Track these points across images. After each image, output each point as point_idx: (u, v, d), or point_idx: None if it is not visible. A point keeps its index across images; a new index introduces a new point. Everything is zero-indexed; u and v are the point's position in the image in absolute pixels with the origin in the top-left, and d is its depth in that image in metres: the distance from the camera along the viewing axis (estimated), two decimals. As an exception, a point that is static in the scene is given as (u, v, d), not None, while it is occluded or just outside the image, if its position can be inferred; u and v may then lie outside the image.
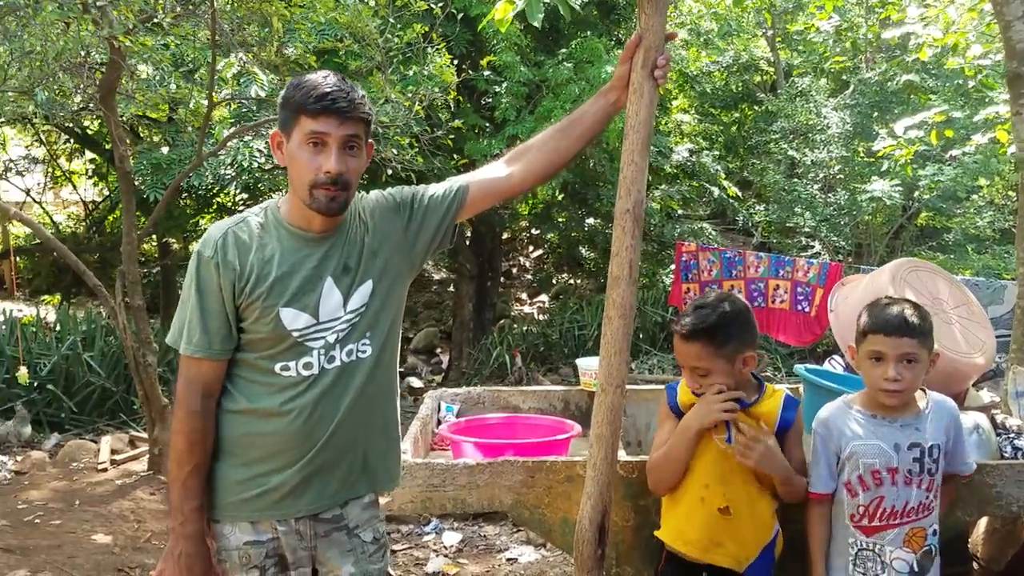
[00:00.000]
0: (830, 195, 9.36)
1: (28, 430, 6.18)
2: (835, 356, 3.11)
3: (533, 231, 13.47)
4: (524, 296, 13.52)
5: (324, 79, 1.85)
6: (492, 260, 10.50)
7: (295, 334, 1.88)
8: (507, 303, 12.29)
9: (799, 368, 2.77)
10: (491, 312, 10.50)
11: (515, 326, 10.30)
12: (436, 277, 13.86)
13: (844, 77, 10.64)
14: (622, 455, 2.32)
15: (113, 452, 5.83)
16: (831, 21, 6.55)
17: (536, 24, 2.49)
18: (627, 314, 2.11)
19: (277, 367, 1.89)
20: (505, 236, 12.06)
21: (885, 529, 2.16)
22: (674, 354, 2.23)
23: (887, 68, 8.68)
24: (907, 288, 2.71)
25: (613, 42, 8.53)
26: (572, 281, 13.01)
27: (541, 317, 11.00)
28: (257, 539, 1.95)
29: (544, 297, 13.05)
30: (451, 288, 10.30)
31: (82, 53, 4.61)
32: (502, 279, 12.38)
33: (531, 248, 14.85)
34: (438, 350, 10.98)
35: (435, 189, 2.09)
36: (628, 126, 1.99)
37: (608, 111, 2.08)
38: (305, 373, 1.89)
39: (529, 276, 14.18)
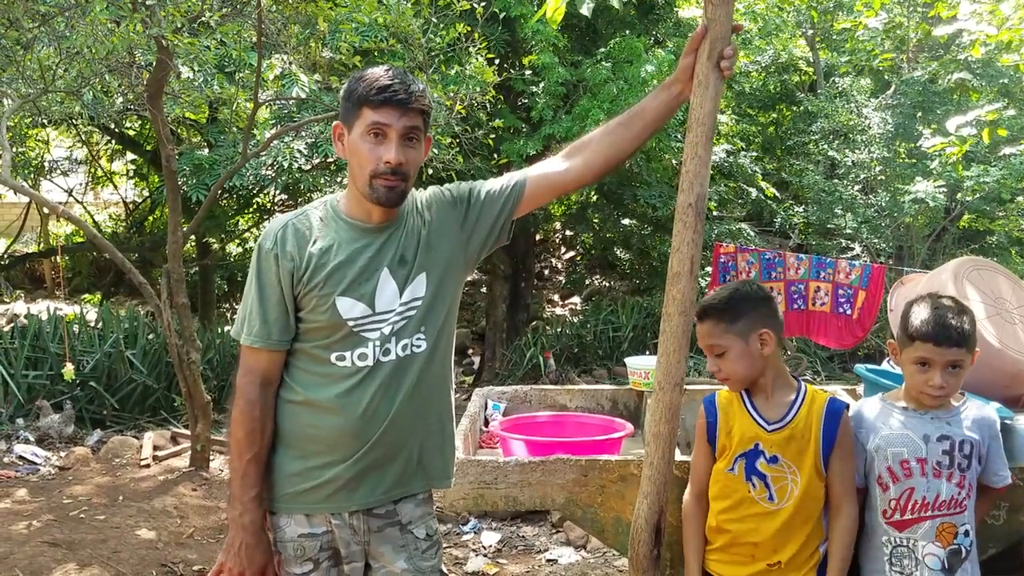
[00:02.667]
0: (871, 196, 9.23)
1: (71, 429, 6.26)
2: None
3: (566, 232, 13.43)
4: (556, 297, 13.47)
5: (386, 72, 1.89)
6: (526, 261, 10.47)
7: (351, 323, 1.90)
8: (539, 304, 12.26)
9: (859, 368, 2.73)
10: (524, 313, 10.47)
11: (548, 327, 10.26)
12: (468, 278, 13.88)
13: (886, 77, 10.50)
14: (678, 455, 2.29)
15: (155, 448, 5.89)
16: (879, 18, 6.46)
17: (587, 13, 2.47)
18: (687, 311, 2.09)
19: (332, 357, 1.91)
20: (538, 237, 12.04)
21: (918, 522, 2.14)
22: (699, 341, 2.20)
23: (936, 67, 8.55)
24: (969, 287, 2.66)
25: (652, 41, 8.47)
26: (605, 283, 12.95)
27: (574, 319, 10.95)
28: (312, 532, 1.97)
29: (576, 299, 13.00)
30: (483, 289, 10.31)
31: (128, 53, 4.66)
32: (534, 280, 12.35)
33: (563, 249, 14.80)
34: (470, 351, 10.97)
35: (492, 184, 2.09)
36: (692, 119, 1.97)
37: (671, 104, 2.06)
38: (360, 364, 1.91)
39: (561, 277, 14.13)
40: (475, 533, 4.85)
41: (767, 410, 2.17)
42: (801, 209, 9.95)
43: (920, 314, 2.14)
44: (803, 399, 2.17)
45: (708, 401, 2.24)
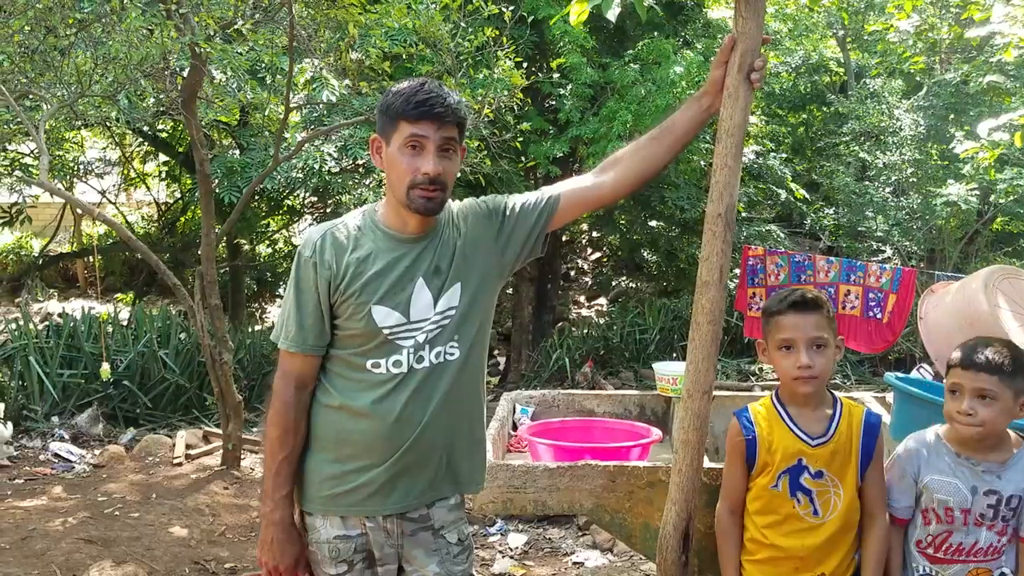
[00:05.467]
0: (902, 199, 9.14)
1: (98, 429, 6.35)
2: (924, 364, 3.05)
3: (593, 233, 13.41)
4: (582, 299, 13.47)
5: (422, 85, 1.93)
6: (552, 262, 10.48)
7: (385, 331, 1.94)
8: (565, 306, 12.25)
9: (889, 376, 2.72)
10: (550, 315, 10.47)
11: (574, 329, 10.26)
12: (496, 282, 13.87)
13: (918, 78, 10.38)
14: (706, 462, 2.30)
15: (188, 447, 5.98)
16: (910, 21, 6.39)
17: (612, 18, 2.47)
18: (716, 319, 2.10)
19: (368, 364, 1.96)
20: (564, 238, 12.05)
21: (949, 563, 2.14)
22: (780, 334, 2.14)
23: (968, 69, 8.44)
24: (1000, 296, 2.64)
25: (681, 42, 8.45)
26: (632, 284, 12.93)
27: (600, 320, 10.93)
28: (346, 534, 2.02)
29: (602, 300, 12.98)
30: (509, 290, 10.33)
31: (163, 59, 4.75)
32: (560, 281, 12.34)
33: (590, 250, 14.78)
34: (496, 351, 11.00)
35: (527, 198, 2.13)
36: (722, 130, 1.98)
37: (701, 117, 2.08)
38: (395, 371, 1.95)
39: (588, 279, 14.11)
40: (502, 535, 4.87)
41: (807, 424, 2.16)
42: (831, 211, 9.86)
43: (961, 346, 2.14)
44: (841, 412, 2.17)
45: (744, 417, 2.23)
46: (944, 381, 2.17)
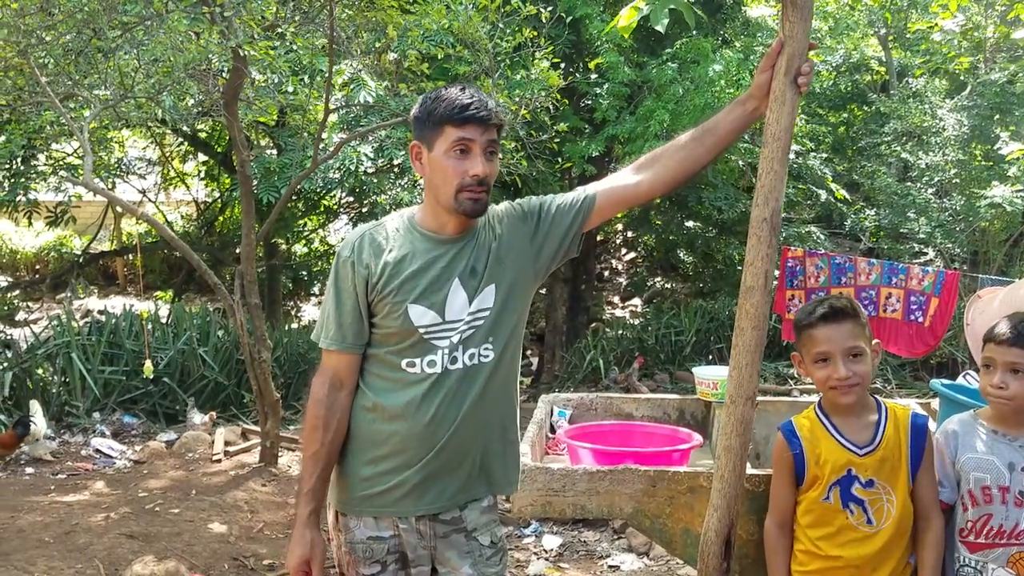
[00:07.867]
0: (945, 200, 8.98)
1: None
2: (970, 371, 2.99)
3: (628, 233, 13.36)
4: (616, 299, 13.42)
5: (462, 91, 1.96)
6: (586, 263, 10.45)
7: (421, 331, 1.97)
8: (599, 306, 12.22)
9: (935, 383, 2.68)
10: (584, 315, 10.46)
11: (608, 330, 10.22)
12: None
13: (962, 78, 10.21)
14: (748, 468, 2.27)
15: (226, 444, 6.05)
16: (955, 20, 6.26)
17: (661, 29, 2.46)
18: (760, 325, 2.08)
19: (404, 363, 1.99)
20: (599, 238, 12.00)
21: (990, 548, 2.11)
22: (815, 348, 2.12)
23: (1014, 68, 8.28)
24: (1051, 302, 2.58)
25: (719, 40, 8.37)
26: (667, 285, 12.85)
27: (634, 321, 10.87)
28: (379, 535, 2.04)
29: (637, 300, 12.93)
30: (543, 291, 10.33)
31: (206, 61, 4.80)
32: (595, 282, 12.30)
33: (624, 251, 14.71)
34: (528, 352, 10.99)
35: (563, 199, 2.13)
36: (768, 134, 1.96)
37: (745, 120, 2.07)
38: (429, 371, 1.98)
39: (622, 279, 14.05)
40: (536, 537, 4.85)
41: (853, 433, 2.14)
42: (872, 212, 9.72)
43: (995, 323, 2.16)
44: (887, 417, 2.15)
45: (789, 431, 2.20)
46: (979, 356, 2.16)
